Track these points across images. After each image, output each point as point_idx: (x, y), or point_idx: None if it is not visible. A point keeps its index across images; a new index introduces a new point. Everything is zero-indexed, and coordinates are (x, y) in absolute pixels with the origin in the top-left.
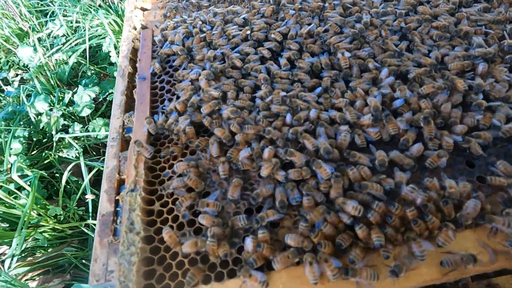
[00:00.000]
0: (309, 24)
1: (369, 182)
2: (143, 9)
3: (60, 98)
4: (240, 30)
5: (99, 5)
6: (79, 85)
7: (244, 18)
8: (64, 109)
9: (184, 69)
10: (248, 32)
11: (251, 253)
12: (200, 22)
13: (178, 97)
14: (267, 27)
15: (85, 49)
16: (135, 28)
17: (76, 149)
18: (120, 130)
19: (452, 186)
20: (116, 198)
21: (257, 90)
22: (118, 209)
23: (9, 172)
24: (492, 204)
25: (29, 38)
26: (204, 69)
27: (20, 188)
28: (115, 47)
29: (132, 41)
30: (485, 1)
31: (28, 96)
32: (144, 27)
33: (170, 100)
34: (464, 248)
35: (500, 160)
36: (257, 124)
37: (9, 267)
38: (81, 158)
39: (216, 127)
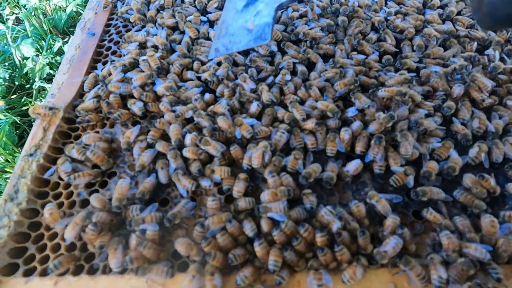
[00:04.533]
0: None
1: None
2: None
3: (51, 45)
4: None
5: None
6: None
7: None
8: (52, 57)
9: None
10: None
11: (132, 250)
12: None
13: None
14: None
15: None
16: None
17: None
18: None
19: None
20: None
21: None
22: None
23: None
24: (419, 245)
25: None
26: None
27: None
28: None
29: None
30: None
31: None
32: None
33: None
34: None
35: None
36: (194, 103)
37: None
38: None
39: (147, 101)
